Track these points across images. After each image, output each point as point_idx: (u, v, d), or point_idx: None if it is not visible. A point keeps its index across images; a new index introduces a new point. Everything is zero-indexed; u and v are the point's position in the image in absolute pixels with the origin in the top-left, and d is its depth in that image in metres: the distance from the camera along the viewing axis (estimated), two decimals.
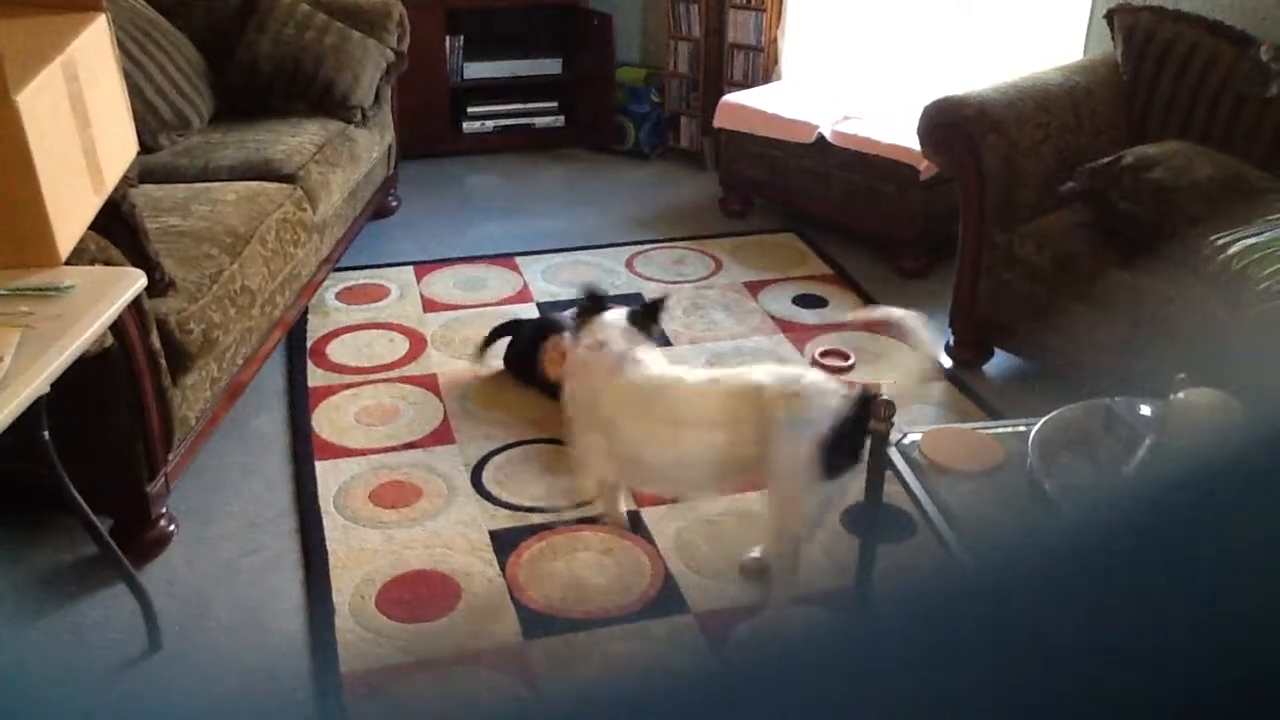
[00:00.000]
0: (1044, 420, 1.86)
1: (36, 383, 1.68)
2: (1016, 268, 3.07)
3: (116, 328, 2.16)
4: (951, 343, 3.34)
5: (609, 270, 3.96)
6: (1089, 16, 3.77)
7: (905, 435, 2.02)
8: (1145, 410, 1.84)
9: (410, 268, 3.95)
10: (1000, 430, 2.10)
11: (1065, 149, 3.15)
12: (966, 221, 3.16)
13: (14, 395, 1.63)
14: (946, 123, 3.10)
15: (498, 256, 4.05)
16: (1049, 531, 0.41)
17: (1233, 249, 2.52)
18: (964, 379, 3.25)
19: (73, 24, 2.12)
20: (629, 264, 4.02)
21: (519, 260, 4.02)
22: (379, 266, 3.95)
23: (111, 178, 2.22)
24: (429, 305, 3.69)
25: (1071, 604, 0.36)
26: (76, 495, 2.10)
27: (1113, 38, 3.44)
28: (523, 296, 3.76)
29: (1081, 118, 3.23)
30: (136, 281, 2.00)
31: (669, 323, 3.58)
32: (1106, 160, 2.92)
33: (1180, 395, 1.75)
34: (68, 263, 1.97)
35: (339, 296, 3.72)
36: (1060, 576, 0.37)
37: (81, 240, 2.07)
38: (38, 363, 1.70)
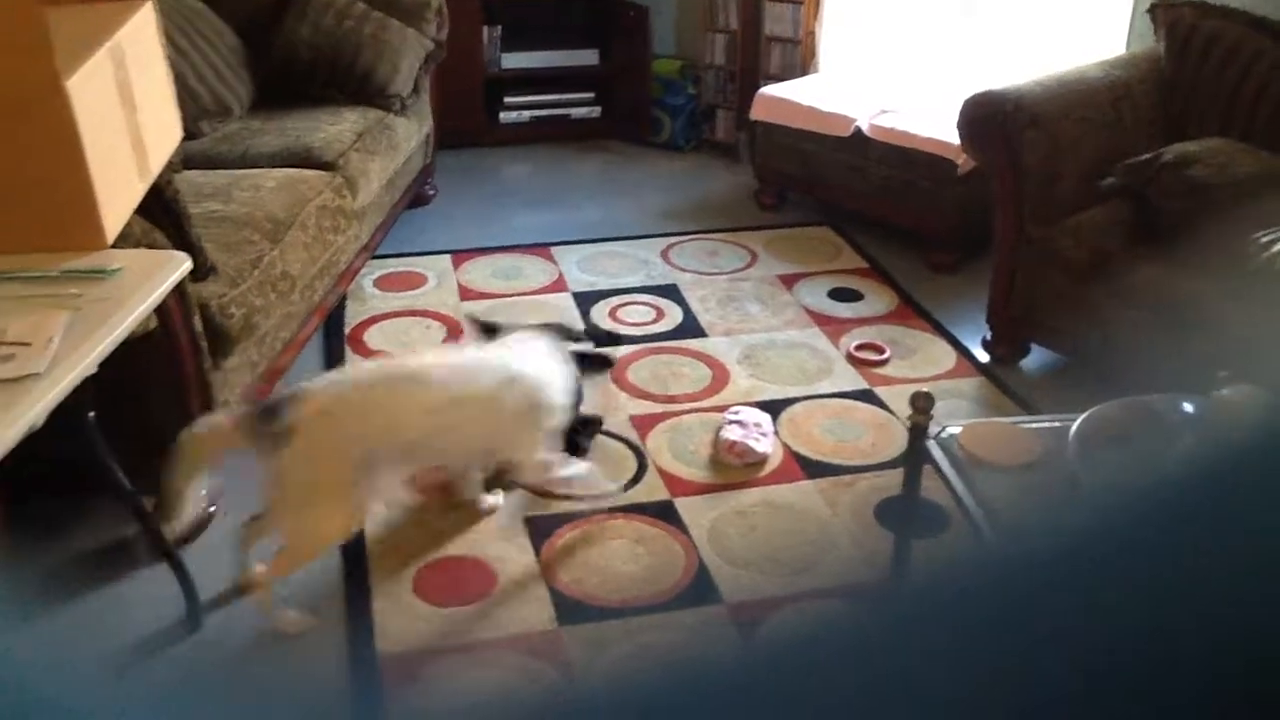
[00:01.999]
0: (1085, 415, 1.85)
1: (84, 363, 1.70)
2: (1053, 263, 3.05)
3: (160, 311, 2.19)
4: (988, 338, 3.33)
5: (644, 261, 3.96)
6: (1131, 11, 3.74)
7: (944, 429, 2.02)
8: (1187, 407, 1.82)
9: (447, 256, 3.97)
10: (1038, 425, 2.09)
11: (1105, 144, 3.12)
12: (1004, 216, 3.15)
13: (63, 376, 1.66)
14: (985, 117, 3.08)
15: (533, 246, 4.06)
16: (1075, 519, 0.41)
17: (1275, 247, 2.49)
18: (999, 374, 3.24)
19: (120, 11, 2.15)
20: (664, 255, 4.02)
21: (554, 250, 4.03)
22: (416, 254, 3.97)
23: (156, 163, 2.25)
24: (465, 293, 3.71)
25: (1097, 591, 0.37)
26: (120, 476, 2.13)
27: (1155, 33, 3.41)
28: (558, 286, 3.77)
29: (1122, 113, 3.20)
30: (181, 265, 2.03)
31: (703, 314, 3.59)
32: (1146, 156, 2.90)
33: (1223, 392, 1.73)
34: (114, 246, 2.00)
35: (376, 284, 3.75)
36: (1085, 564, 0.37)
37: (127, 224, 2.10)
38: (86, 344, 1.73)
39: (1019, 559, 0.40)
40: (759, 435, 2.86)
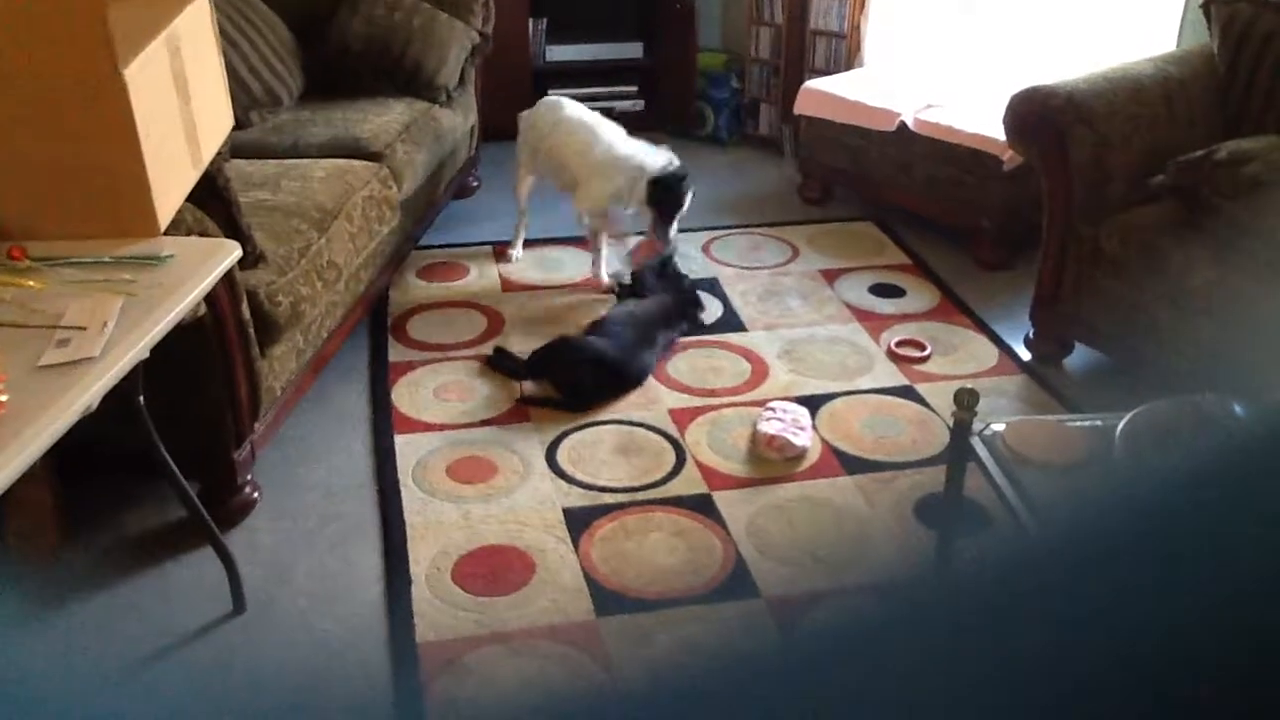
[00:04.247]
0: (1132, 414, 1.83)
1: (138, 348, 1.73)
2: (1101, 262, 3.02)
3: (209, 298, 2.22)
4: (1030, 336, 3.30)
5: (685, 255, 3.95)
6: (1183, 7, 3.69)
7: (988, 426, 2.01)
8: (1237, 408, 1.80)
9: (489, 247, 3.99)
10: (1084, 424, 2.07)
11: (1156, 142, 3.08)
12: (1051, 214, 3.12)
13: (116, 360, 1.69)
14: (1034, 113, 3.05)
15: (575, 239, 4.07)
16: (1107, 506, 0.41)
17: None
18: (1042, 373, 3.21)
19: (176, 2, 2.18)
20: (705, 249, 4.02)
21: None
22: (459, 246, 4.00)
23: (208, 152, 2.28)
24: (507, 285, 3.73)
25: (1128, 576, 0.37)
26: (169, 460, 2.16)
27: (1209, 29, 3.36)
28: (599, 279, 3.78)
29: (1174, 110, 3.16)
30: (231, 253, 2.05)
31: (744, 308, 3.58)
32: (1199, 154, 2.86)
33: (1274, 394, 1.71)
34: (166, 233, 2.03)
35: (420, 274, 3.78)
36: (1116, 549, 0.38)
37: (179, 212, 2.13)
38: (139, 329, 1.76)
39: (1050, 544, 0.40)
40: (797, 429, 2.85)
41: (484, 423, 2.95)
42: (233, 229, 2.42)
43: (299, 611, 2.33)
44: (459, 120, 4.01)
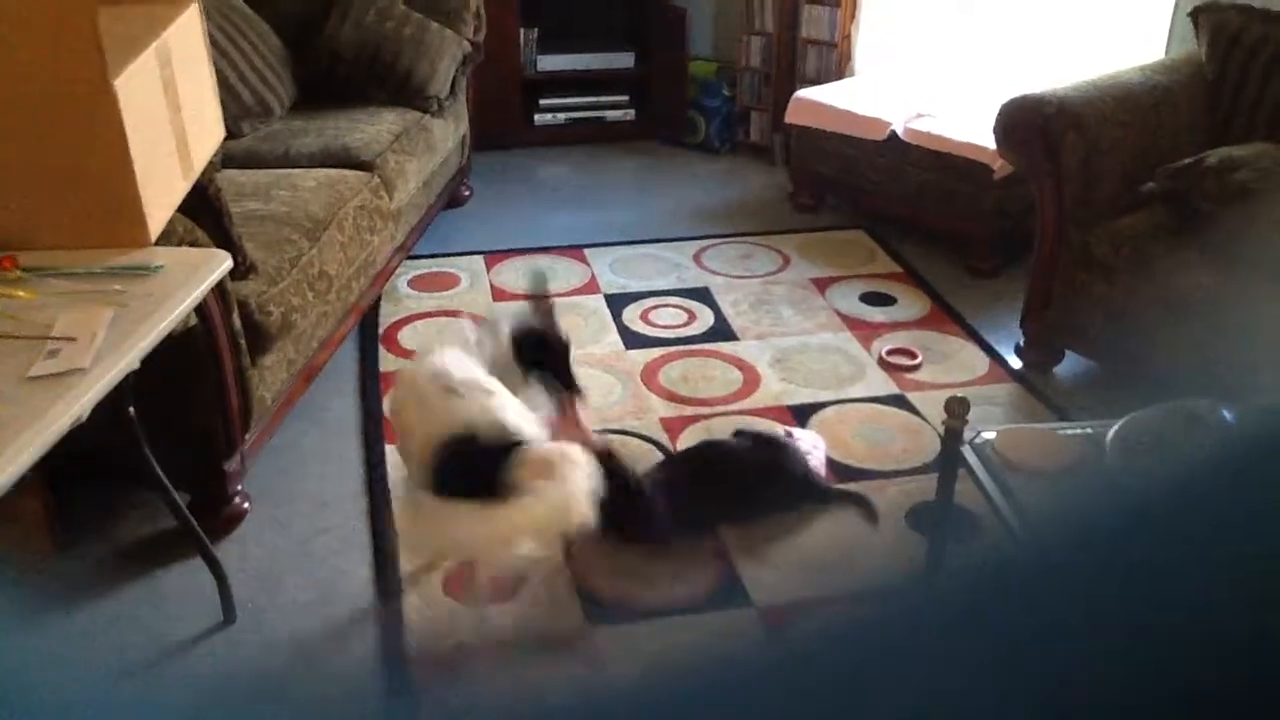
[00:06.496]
0: (1123, 421, 1.84)
1: (128, 359, 1.72)
2: (1092, 269, 3.03)
3: (200, 308, 2.21)
4: (1021, 343, 3.31)
5: (676, 264, 3.97)
6: (1171, 15, 3.71)
7: (979, 434, 2.01)
8: (1228, 415, 1.81)
9: (481, 257, 3.99)
10: (1074, 431, 2.08)
11: (1145, 149, 3.10)
12: (1042, 221, 3.13)
13: (106, 371, 1.68)
14: (1025, 121, 3.06)
15: (567, 248, 4.08)
16: (1097, 515, 0.41)
17: None
18: (1033, 381, 3.22)
19: (166, 12, 2.18)
20: (696, 258, 4.02)
21: (587, 252, 4.04)
22: (450, 255, 4.00)
23: (199, 162, 2.27)
24: (498, 294, 3.73)
25: (1126, 575, 0.37)
26: (159, 471, 2.16)
27: (1197, 37, 3.38)
28: (590, 288, 3.79)
29: (1163, 118, 3.17)
30: (222, 263, 2.04)
31: (735, 317, 3.59)
32: (1188, 161, 2.87)
33: (1263, 399, 1.72)
34: (157, 244, 2.03)
35: (411, 284, 3.77)
36: (1108, 560, 0.38)
37: (170, 222, 2.13)
38: (129, 340, 1.75)
39: (1041, 549, 0.40)
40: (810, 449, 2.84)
41: None
42: (224, 239, 2.41)
43: (289, 621, 2.32)
44: (450, 130, 4.02)
